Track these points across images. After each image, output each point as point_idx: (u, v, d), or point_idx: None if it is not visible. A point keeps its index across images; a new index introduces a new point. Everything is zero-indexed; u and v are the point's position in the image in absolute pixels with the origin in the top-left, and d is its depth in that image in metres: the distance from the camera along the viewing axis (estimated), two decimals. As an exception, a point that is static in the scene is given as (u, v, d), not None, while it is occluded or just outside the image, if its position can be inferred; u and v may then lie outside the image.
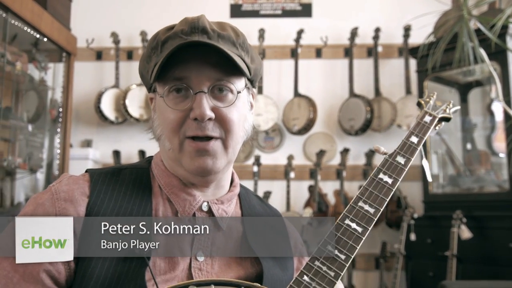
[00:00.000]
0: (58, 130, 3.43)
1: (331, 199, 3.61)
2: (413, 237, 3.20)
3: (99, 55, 3.93)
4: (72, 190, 0.92)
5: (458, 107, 1.11)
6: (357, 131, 3.62)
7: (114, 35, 3.79)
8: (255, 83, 1.02)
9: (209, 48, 0.90)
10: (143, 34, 3.71)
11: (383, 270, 3.37)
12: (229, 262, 0.95)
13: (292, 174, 3.60)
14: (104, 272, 0.85)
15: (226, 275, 0.92)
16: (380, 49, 3.73)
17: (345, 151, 3.58)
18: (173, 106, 0.92)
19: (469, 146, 3.52)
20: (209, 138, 0.91)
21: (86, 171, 0.98)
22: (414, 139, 0.99)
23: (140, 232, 0.89)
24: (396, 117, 3.60)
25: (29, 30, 2.99)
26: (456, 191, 3.41)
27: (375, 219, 0.85)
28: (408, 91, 3.62)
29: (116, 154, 3.69)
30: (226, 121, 0.92)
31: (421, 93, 3.39)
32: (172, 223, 0.93)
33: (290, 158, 3.64)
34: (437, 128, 1.08)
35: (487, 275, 2.76)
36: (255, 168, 3.61)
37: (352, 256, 0.80)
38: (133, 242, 0.88)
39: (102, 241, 0.87)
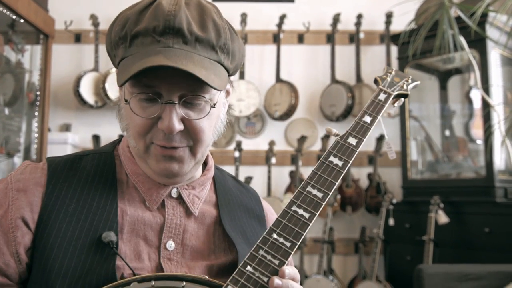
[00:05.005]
0: (36, 113, 3.36)
1: (312, 185, 3.63)
2: (391, 222, 3.25)
3: (77, 37, 3.85)
4: (27, 180, 0.88)
5: (417, 82, 1.07)
6: (338, 117, 3.64)
7: (94, 18, 3.71)
8: (235, 73, 0.95)
9: (184, 53, 0.81)
10: (123, 16, 3.64)
11: (362, 255, 3.42)
12: (202, 250, 0.91)
13: (273, 160, 3.61)
14: (66, 263, 0.81)
15: (198, 264, 0.89)
16: (362, 35, 3.74)
17: (326, 137, 3.60)
18: (139, 112, 0.84)
19: (447, 133, 3.57)
20: (176, 147, 0.86)
21: (46, 159, 0.93)
22: (367, 119, 0.95)
23: (105, 221, 0.85)
24: (376, 103, 3.62)
25: (5, 11, 2.91)
26: (434, 177, 3.47)
27: (324, 203, 0.83)
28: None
29: (96, 138, 3.64)
30: (196, 132, 0.86)
31: (401, 80, 3.41)
32: (139, 211, 0.89)
33: (272, 143, 3.65)
34: (395, 105, 1.05)
35: (463, 259, 2.82)
36: (237, 154, 3.61)
37: (298, 243, 0.79)
38: (97, 231, 0.84)
39: (63, 230, 0.84)
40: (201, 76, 0.79)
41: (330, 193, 0.85)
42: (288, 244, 0.79)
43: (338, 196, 3.50)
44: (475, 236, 2.86)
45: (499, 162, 2.99)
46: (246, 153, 3.69)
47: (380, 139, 3.52)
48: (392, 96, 1.01)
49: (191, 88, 0.83)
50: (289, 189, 3.60)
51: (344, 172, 0.88)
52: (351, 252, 3.67)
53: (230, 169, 3.48)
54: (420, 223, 3.07)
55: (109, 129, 3.66)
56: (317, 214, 0.82)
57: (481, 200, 2.95)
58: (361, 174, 3.66)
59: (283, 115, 3.68)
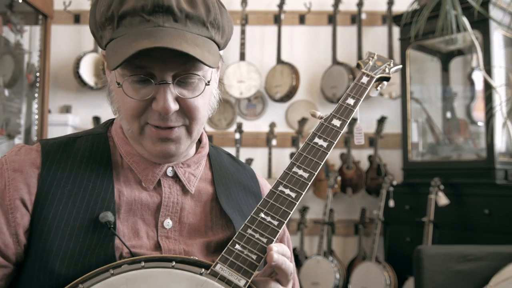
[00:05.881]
0: (36, 95, 3.35)
1: (313, 167, 3.64)
2: (391, 203, 3.26)
3: (77, 18, 3.82)
4: (22, 161, 0.87)
5: (399, 66, 1.11)
6: (339, 98, 3.61)
7: (93, -2, 3.68)
8: (225, 47, 0.94)
9: (176, 32, 0.80)
10: (122, -3, 3.60)
11: (362, 236, 3.44)
12: (199, 227, 0.92)
13: (274, 142, 3.61)
14: (65, 244, 0.81)
15: (195, 241, 0.89)
16: (364, 16, 3.70)
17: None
18: (132, 94, 0.83)
19: (449, 115, 3.56)
20: (172, 127, 0.85)
21: (39, 141, 0.93)
22: (350, 101, 1.00)
23: (102, 201, 0.85)
24: (378, 85, 3.60)
25: (3, -10, 2.88)
26: (435, 159, 3.47)
27: (309, 183, 0.86)
28: (390, 59, 3.62)
29: (96, 120, 3.64)
30: (191, 111, 0.85)
31: (403, 62, 3.39)
32: (136, 192, 0.89)
33: (272, 125, 3.64)
34: (378, 88, 1.09)
35: (463, 240, 2.84)
36: (237, 135, 3.61)
37: (285, 221, 0.82)
38: (94, 211, 0.84)
39: (60, 212, 0.83)
40: (196, 55, 0.78)
41: (316, 173, 0.88)
42: (276, 223, 0.81)
43: (339, 178, 3.51)
44: (475, 218, 2.87)
45: (500, 144, 2.99)
46: (246, 135, 3.69)
47: (382, 120, 3.51)
48: (374, 79, 1.05)
49: (184, 67, 0.82)
50: (289, 171, 3.61)
51: (329, 153, 0.91)
52: (351, 234, 3.69)
53: (231, 151, 3.48)
54: (420, 205, 3.08)
55: (109, 111, 3.60)
56: (303, 193, 0.85)
57: (481, 182, 2.95)
58: (361, 156, 3.66)
59: (284, 97, 3.67)
